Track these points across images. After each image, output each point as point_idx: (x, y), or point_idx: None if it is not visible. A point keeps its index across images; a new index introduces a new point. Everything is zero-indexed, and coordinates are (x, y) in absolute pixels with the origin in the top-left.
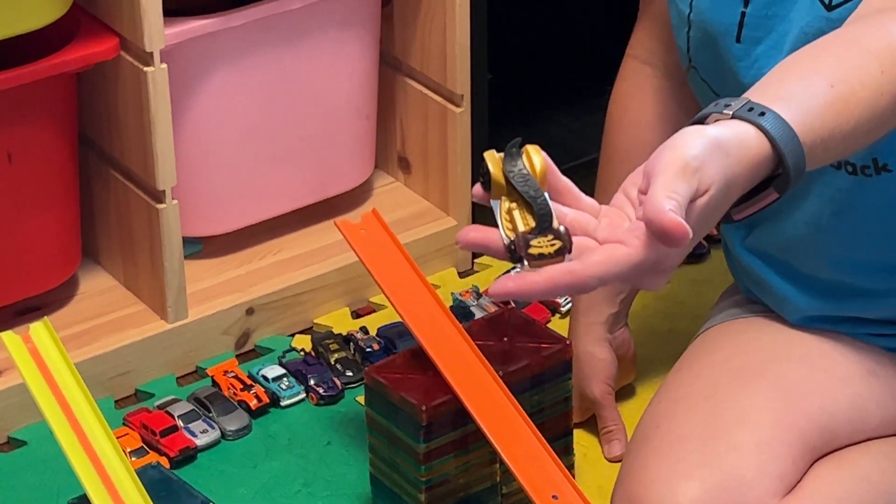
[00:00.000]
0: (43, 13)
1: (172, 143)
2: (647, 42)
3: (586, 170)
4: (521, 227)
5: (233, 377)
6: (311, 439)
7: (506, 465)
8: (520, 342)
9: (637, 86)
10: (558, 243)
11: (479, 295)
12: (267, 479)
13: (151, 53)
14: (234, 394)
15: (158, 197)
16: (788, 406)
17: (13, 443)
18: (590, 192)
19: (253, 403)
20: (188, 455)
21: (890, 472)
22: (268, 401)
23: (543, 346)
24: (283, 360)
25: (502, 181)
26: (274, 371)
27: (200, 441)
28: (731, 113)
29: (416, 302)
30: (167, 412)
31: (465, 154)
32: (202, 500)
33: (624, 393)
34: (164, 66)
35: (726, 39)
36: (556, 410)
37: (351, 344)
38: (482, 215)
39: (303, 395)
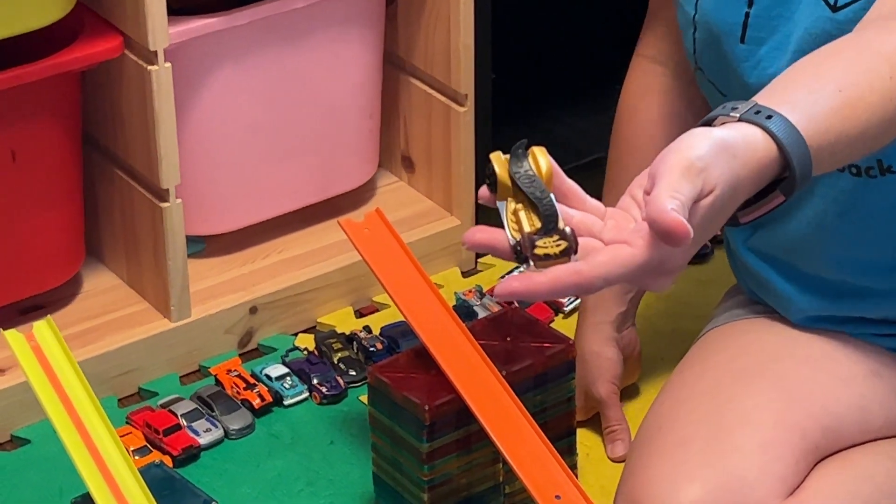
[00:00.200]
0: (47, 12)
1: (176, 141)
2: (656, 42)
3: (591, 169)
4: (527, 228)
5: (236, 376)
6: (315, 438)
7: (509, 465)
8: (523, 342)
9: (646, 85)
10: (564, 244)
11: (482, 294)
12: (270, 479)
13: (155, 52)
14: (238, 393)
15: (162, 196)
16: (791, 407)
17: (16, 441)
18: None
19: (256, 402)
20: (191, 454)
21: (894, 473)
22: (271, 400)
23: (547, 345)
24: (287, 360)
25: (508, 182)
26: (277, 370)
27: (203, 440)
28: (738, 116)
29: (419, 301)
30: (170, 411)
31: (469, 154)
32: (205, 499)
33: (627, 393)
34: (168, 64)
35: (730, 40)
36: (559, 410)
37: (354, 343)
38: (486, 215)
39: (306, 395)
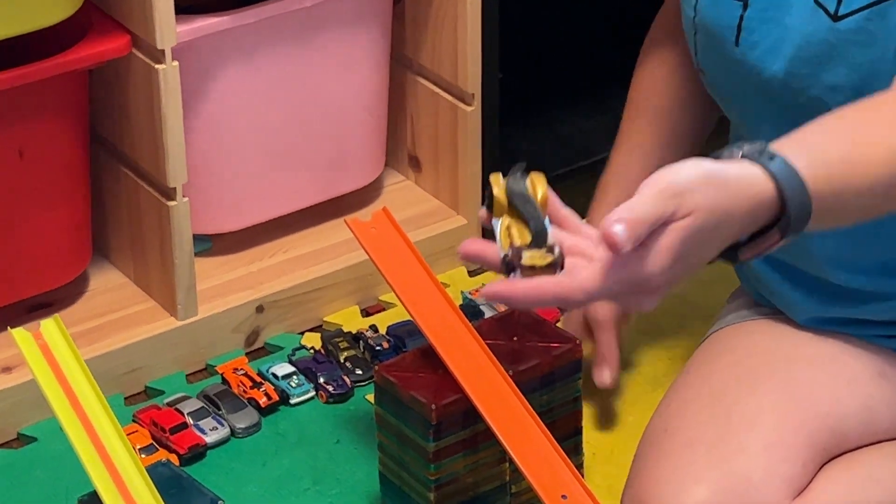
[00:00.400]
0: (55, 10)
1: (183, 140)
2: (668, 25)
3: (596, 169)
4: (518, 241)
5: (242, 375)
6: (321, 437)
7: (515, 465)
8: (530, 341)
9: (661, 56)
10: (550, 257)
11: None
12: (276, 477)
13: (163, 51)
14: (244, 391)
15: (169, 194)
16: (797, 408)
17: (23, 439)
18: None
19: (262, 401)
20: (197, 452)
21: None
22: (277, 398)
23: (553, 345)
24: (293, 358)
25: (504, 201)
26: (283, 369)
27: (210, 438)
28: (741, 153)
29: (426, 300)
30: (177, 409)
31: (476, 153)
32: (212, 498)
33: (630, 394)
34: (176, 63)
35: (726, 43)
36: (566, 410)
37: (360, 342)
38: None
39: (312, 393)
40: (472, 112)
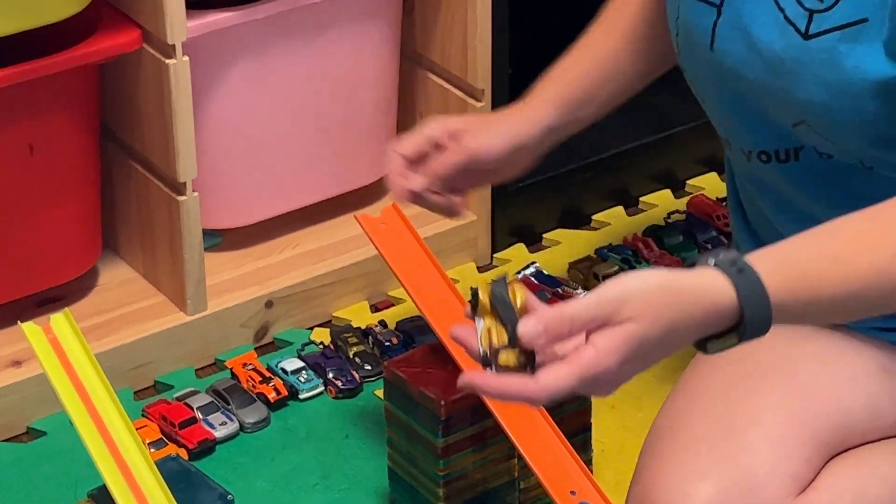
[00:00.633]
0: (65, 5)
1: (193, 135)
2: None
3: (605, 165)
4: (496, 342)
5: (251, 370)
6: (330, 432)
7: (524, 461)
8: None
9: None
10: (522, 359)
11: None
12: (285, 472)
13: (173, 46)
14: (253, 386)
15: (179, 189)
16: (802, 404)
17: (33, 433)
18: (610, 187)
19: (271, 396)
20: (206, 447)
21: None
22: (286, 394)
23: None
24: (302, 353)
25: (487, 304)
26: (293, 364)
27: (219, 433)
28: (713, 262)
29: (435, 296)
30: (186, 404)
31: None
32: (221, 493)
33: (635, 396)
34: (186, 58)
35: (703, 47)
36: (575, 406)
37: (370, 338)
38: (501, 210)
39: (321, 389)
40: (482, 108)
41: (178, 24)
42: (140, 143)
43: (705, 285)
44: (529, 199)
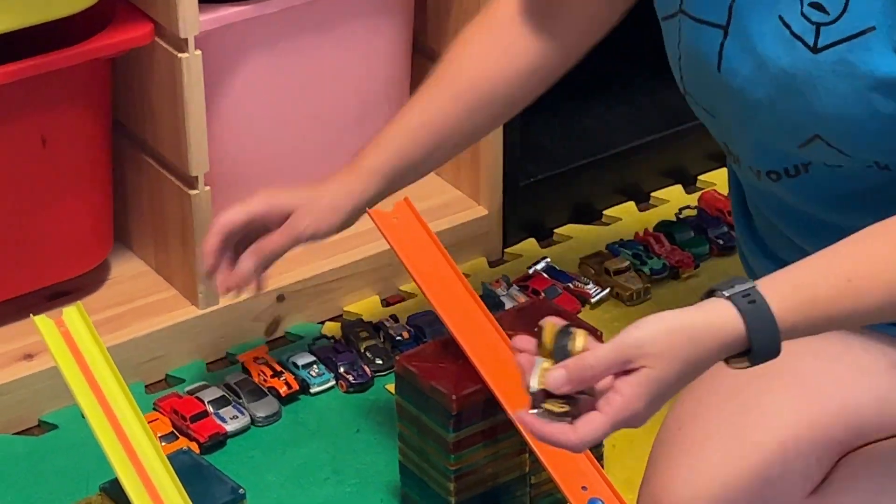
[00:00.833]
0: None
1: (205, 129)
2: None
3: (616, 161)
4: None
5: (263, 364)
6: (341, 427)
7: (535, 456)
8: None
9: (508, 36)
10: (566, 408)
11: (509, 284)
12: (296, 466)
13: (186, 40)
14: (264, 380)
15: (191, 183)
16: (811, 403)
17: (44, 426)
18: (623, 181)
19: (283, 390)
20: (217, 441)
21: None
22: (297, 388)
23: None
24: (313, 348)
25: (550, 347)
26: (304, 358)
27: (230, 427)
28: (727, 294)
29: (447, 291)
30: (197, 398)
31: (498, 144)
32: (232, 486)
33: None
34: (199, 52)
35: (710, 69)
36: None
37: (381, 332)
38: (513, 205)
39: (332, 383)
40: None
41: (191, 18)
42: (152, 136)
43: (715, 321)
44: (541, 194)
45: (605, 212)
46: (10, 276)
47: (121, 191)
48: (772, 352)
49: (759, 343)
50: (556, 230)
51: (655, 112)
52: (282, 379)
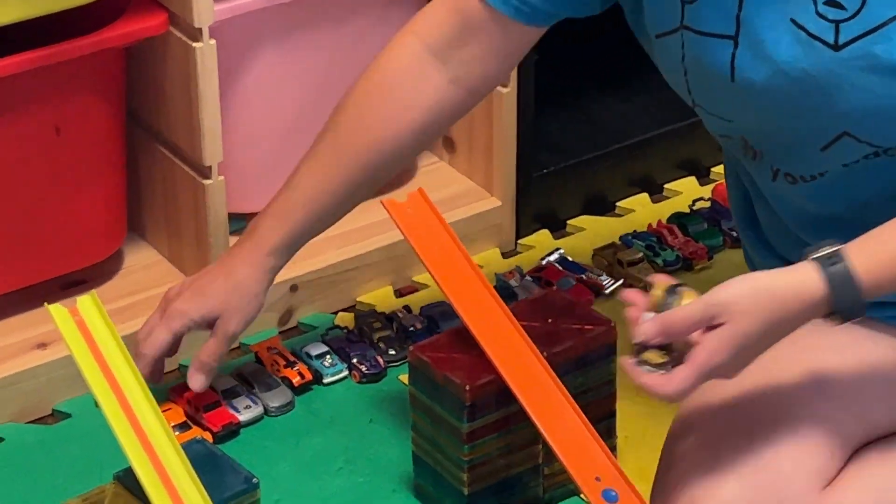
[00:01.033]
0: None
1: (219, 119)
2: (439, 28)
3: (630, 152)
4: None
5: (276, 354)
6: (354, 417)
7: (549, 446)
8: (564, 324)
9: (410, 67)
10: (664, 359)
11: (522, 275)
12: (309, 456)
13: (200, 29)
14: (278, 370)
15: (205, 173)
16: (822, 398)
17: (58, 415)
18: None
19: (296, 380)
20: (231, 430)
21: None
22: (311, 378)
23: (587, 327)
24: (327, 338)
25: (659, 303)
26: (317, 348)
27: (243, 417)
28: (814, 257)
29: (461, 281)
30: (211, 387)
31: (511, 134)
32: (246, 476)
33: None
34: (213, 42)
35: (723, 80)
36: (600, 393)
37: (394, 322)
38: (526, 196)
39: (345, 373)
40: (508, 94)
41: (206, 8)
42: (166, 126)
43: (799, 283)
44: (554, 185)
45: (618, 203)
46: (24, 265)
47: (134, 180)
48: (855, 311)
49: (841, 304)
50: (569, 221)
51: (669, 104)
52: (295, 369)
